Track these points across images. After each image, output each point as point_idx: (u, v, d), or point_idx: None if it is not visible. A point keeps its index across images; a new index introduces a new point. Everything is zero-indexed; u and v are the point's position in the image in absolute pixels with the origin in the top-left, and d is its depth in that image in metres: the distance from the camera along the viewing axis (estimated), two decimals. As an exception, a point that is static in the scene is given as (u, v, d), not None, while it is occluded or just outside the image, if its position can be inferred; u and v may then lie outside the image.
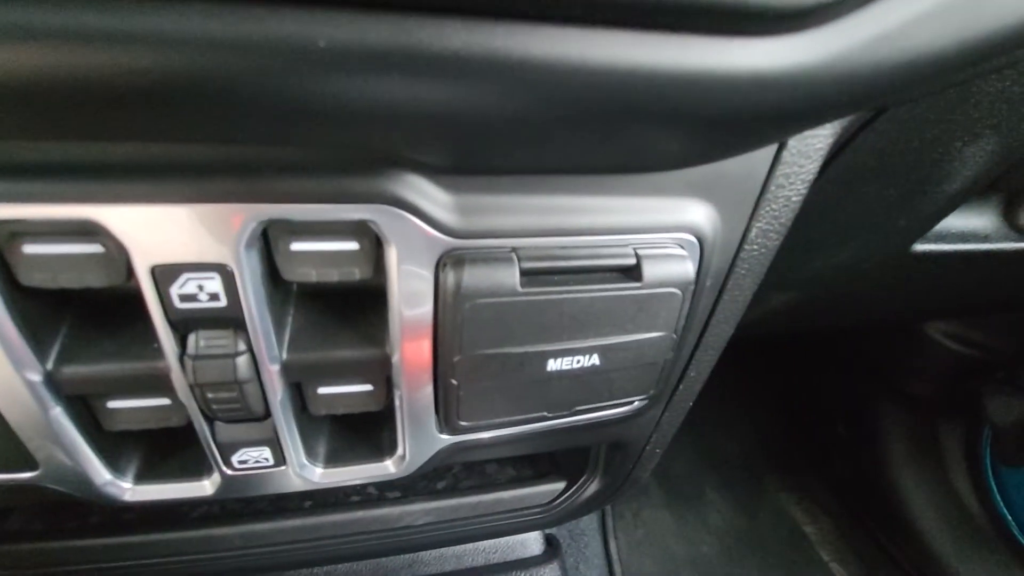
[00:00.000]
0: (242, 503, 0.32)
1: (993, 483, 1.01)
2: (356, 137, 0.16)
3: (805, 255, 0.45)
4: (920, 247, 0.50)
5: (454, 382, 0.23)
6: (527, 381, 0.23)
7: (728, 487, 1.09)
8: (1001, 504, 1.00)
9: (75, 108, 0.14)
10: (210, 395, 0.21)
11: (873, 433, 1.10)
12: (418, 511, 0.35)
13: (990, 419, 0.90)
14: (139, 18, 0.13)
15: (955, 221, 0.47)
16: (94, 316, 0.21)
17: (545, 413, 0.25)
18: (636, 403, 0.28)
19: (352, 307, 0.23)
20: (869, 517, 1.10)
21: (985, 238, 0.52)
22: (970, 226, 0.47)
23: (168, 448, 0.25)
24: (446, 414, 0.24)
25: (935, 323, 1.00)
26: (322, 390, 0.24)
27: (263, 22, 0.13)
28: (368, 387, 0.24)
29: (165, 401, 0.23)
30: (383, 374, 0.23)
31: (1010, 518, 0.98)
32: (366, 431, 0.27)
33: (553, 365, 0.23)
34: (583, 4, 0.14)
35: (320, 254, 0.19)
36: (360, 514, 0.34)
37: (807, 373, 1.23)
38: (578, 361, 0.23)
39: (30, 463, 0.22)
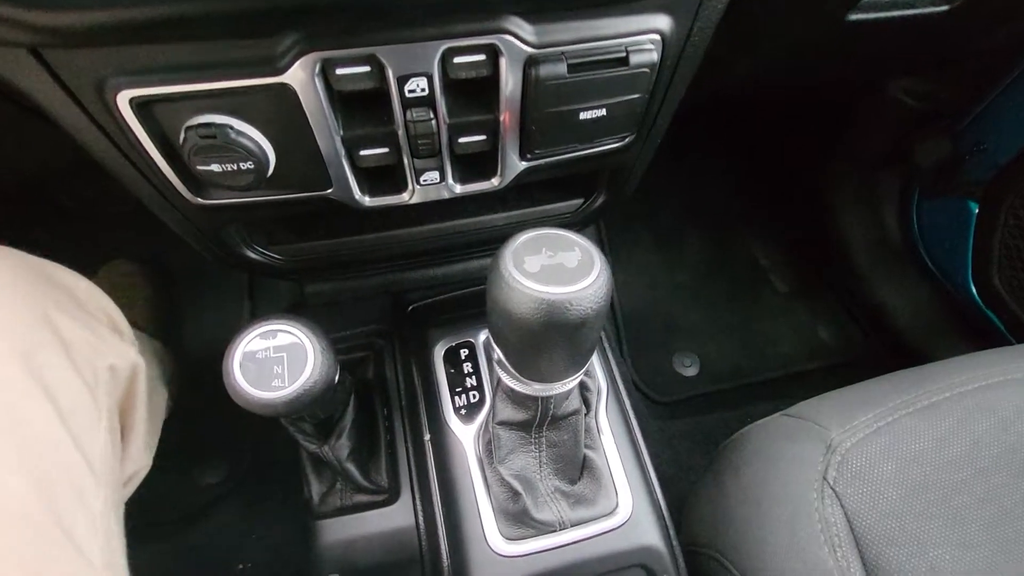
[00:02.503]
0: (415, 211, 0.57)
1: (914, 215, 1.27)
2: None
3: (754, 35, 0.61)
4: (854, 16, 0.64)
5: (533, 128, 0.44)
6: (568, 126, 0.45)
7: (704, 231, 1.39)
8: (916, 230, 1.28)
9: None
10: (420, 142, 0.43)
11: (824, 186, 1.35)
12: (499, 217, 0.60)
13: (915, 160, 1.12)
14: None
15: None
16: (359, 104, 0.42)
17: (576, 144, 0.48)
18: (627, 138, 0.50)
19: (478, 91, 0.43)
20: (812, 250, 1.42)
21: (911, 5, 0.66)
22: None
23: (384, 179, 0.49)
24: (526, 149, 0.47)
25: (896, 81, 1.15)
26: (462, 139, 0.46)
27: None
28: (484, 136, 0.46)
29: (386, 149, 0.45)
30: (493, 128, 0.45)
31: (920, 240, 1.27)
32: (481, 164, 0.50)
33: (583, 115, 0.44)
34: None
35: (469, 63, 0.39)
36: (471, 220, 0.60)
37: (777, 137, 1.42)
38: (594, 113, 0.44)
39: (328, 184, 0.46)
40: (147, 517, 0.56)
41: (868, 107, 1.21)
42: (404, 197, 0.50)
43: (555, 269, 0.38)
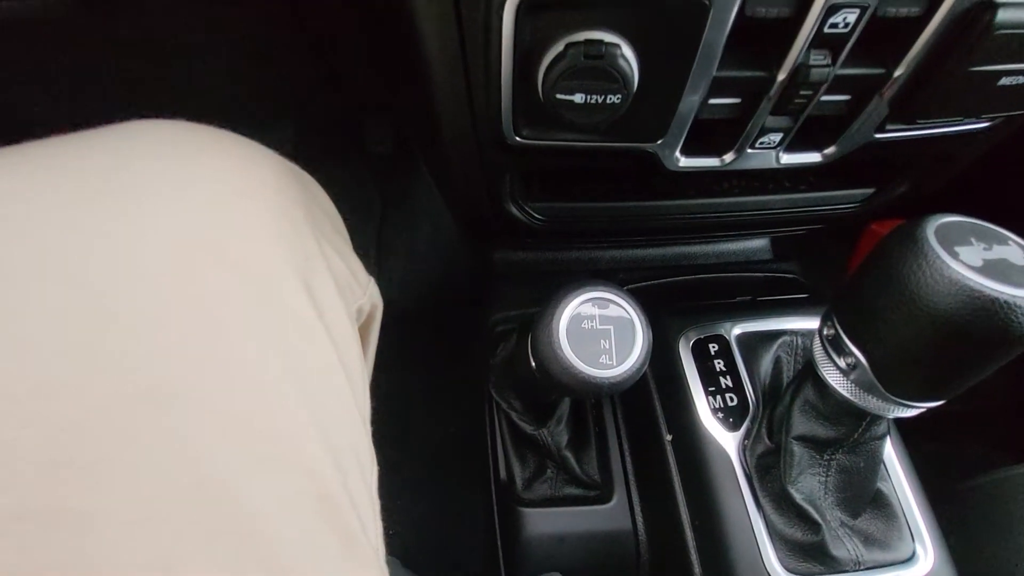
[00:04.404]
0: (679, 183, 0.50)
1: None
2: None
3: None
4: None
5: (931, 91, 0.36)
6: (974, 92, 0.37)
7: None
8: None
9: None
10: (801, 92, 0.36)
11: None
12: (775, 199, 0.52)
13: None
14: None
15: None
16: (745, 40, 0.35)
17: (959, 119, 0.40)
18: (997, 120, 0.41)
19: (870, 40, 0.35)
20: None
21: None
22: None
23: (709, 139, 0.42)
24: (895, 117, 0.39)
25: None
26: (826, 97, 0.38)
27: None
28: (849, 97, 0.39)
29: (738, 100, 0.38)
30: (870, 87, 0.37)
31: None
32: (817, 131, 0.42)
33: (1004, 80, 0.36)
34: None
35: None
36: (741, 199, 0.52)
37: None
38: (1019, 79, 0.36)
39: (659, 135, 0.39)
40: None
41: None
42: (720, 161, 0.42)
43: (1000, 265, 0.30)
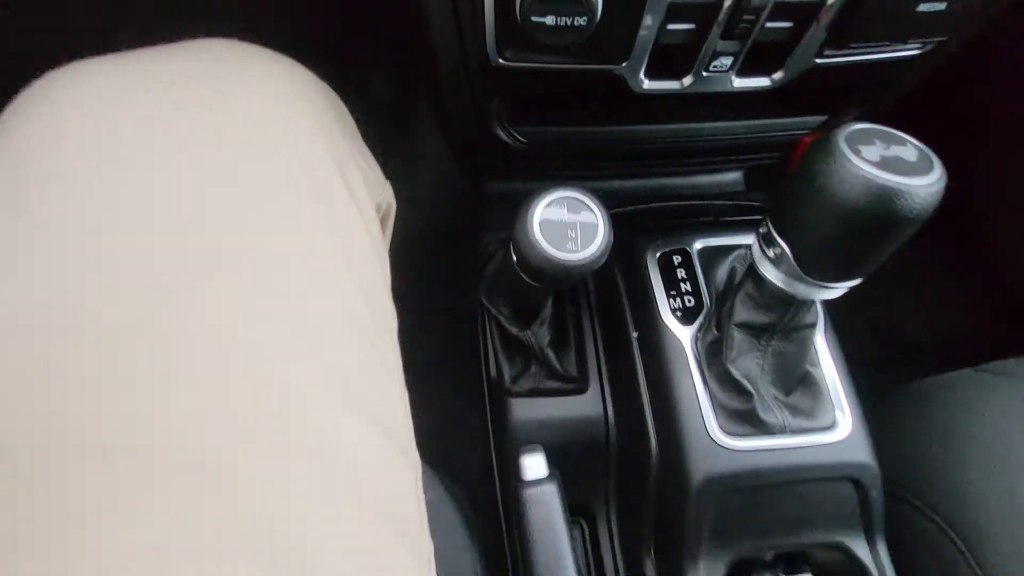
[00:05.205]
0: (649, 109, 0.56)
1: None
2: None
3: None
4: None
5: (857, 17, 0.42)
6: (897, 17, 0.42)
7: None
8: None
9: None
10: (745, 16, 0.41)
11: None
12: (735, 125, 0.59)
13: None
14: None
15: None
16: None
17: (887, 43, 0.45)
18: (929, 46, 0.47)
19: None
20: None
21: None
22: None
23: (669, 64, 0.48)
24: (831, 43, 0.45)
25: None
26: (770, 24, 0.44)
27: None
28: (791, 24, 0.44)
29: (692, 26, 0.44)
30: (809, 14, 0.43)
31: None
32: (764, 58, 0.48)
33: (921, 7, 0.41)
34: None
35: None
36: (706, 125, 0.58)
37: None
38: (935, 6, 0.41)
39: (624, 58, 0.45)
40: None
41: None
42: (680, 84, 0.48)
43: (895, 161, 0.37)
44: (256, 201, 0.30)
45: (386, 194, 0.48)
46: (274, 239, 0.29)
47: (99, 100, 0.30)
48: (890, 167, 0.36)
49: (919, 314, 1.14)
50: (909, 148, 0.38)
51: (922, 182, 0.35)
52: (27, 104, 0.30)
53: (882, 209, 0.36)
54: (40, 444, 0.21)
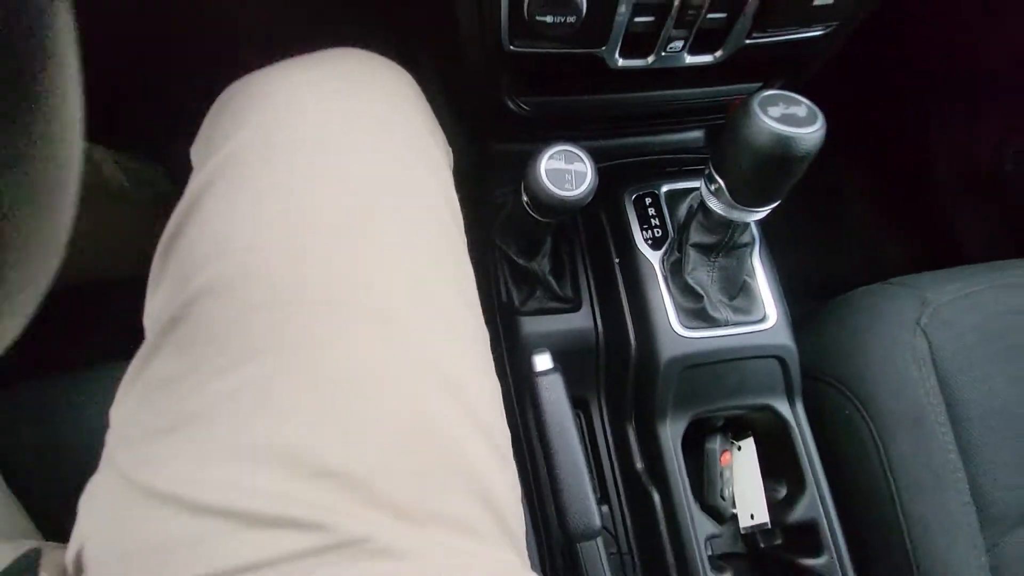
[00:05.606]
0: (627, 82, 0.72)
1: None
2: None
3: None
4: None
5: (771, 9, 0.58)
6: (801, 8, 0.58)
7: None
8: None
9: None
10: (690, 11, 0.56)
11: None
12: (695, 92, 0.74)
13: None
14: None
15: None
16: None
17: (796, 27, 0.61)
18: (831, 27, 0.63)
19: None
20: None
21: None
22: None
23: (637, 47, 0.63)
24: (755, 29, 0.60)
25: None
26: (711, 15, 0.59)
27: None
28: (726, 15, 0.60)
29: (652, 18, 0.59)
30: (738, 8, 0.58)
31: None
32: (709, 40, 0.63)
33: (816, 1, 0.57)
34: None
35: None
36: (669, 92, 0.74)
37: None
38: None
39: (603, 43, 0.60)
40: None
41: None
42: (645, 61, 0.64)
43: (791, 117, 0.53)
44: (404, 167, 0.43)
45: (449, 159, 0.64)
46: (418, 192, 0.43)
47: (314, 93, 0.41)
48: (787, 121, 0.52)
49: (856, 251, 1.34)
50: (802, 107, 0.54)
51: (807, 131, 0.52)
52: (243, 95, 0.42)
53: (781, 151, 0.52)
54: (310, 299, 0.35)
